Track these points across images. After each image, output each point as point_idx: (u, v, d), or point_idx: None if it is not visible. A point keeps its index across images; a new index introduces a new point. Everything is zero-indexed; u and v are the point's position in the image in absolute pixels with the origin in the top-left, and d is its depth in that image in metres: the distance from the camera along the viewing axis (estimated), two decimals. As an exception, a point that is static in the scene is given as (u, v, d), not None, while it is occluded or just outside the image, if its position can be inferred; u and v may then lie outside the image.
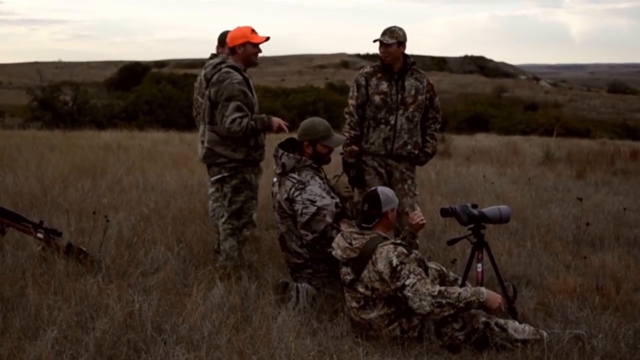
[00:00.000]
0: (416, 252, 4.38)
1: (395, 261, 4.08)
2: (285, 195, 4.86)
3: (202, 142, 5.36)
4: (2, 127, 27.57)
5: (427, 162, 5.98)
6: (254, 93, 5.34)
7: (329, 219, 4.72)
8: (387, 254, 4.12)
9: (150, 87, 42.32)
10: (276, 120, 5.21)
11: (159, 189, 8.30)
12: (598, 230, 7.05)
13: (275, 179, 5.08)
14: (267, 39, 5.36)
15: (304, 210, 4.75)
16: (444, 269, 4.79)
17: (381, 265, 4.11)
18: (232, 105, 5.03)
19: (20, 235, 5.61)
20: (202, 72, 5.30)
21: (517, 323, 4.21)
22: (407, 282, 4.04)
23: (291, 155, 4.92)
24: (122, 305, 4.25)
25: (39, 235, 5.35)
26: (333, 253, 4.43)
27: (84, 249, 5.34)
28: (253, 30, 5.26)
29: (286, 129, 5.27)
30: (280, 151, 4.96)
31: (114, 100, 47.70)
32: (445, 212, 4.57)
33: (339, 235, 4.45)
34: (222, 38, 6.09)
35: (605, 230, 7.13)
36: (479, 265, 4.47)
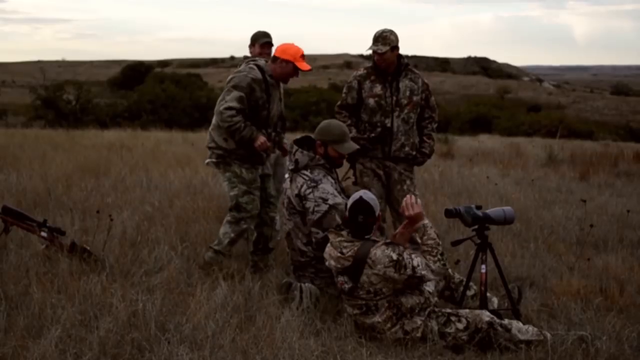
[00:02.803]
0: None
1: (394, 256, 4.11)
2: (296, 192, 4.87)
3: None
4: (5, 125, 27.61)
5: (425, 162, 5.96)
6: (274, 100, 5.34)
7: (338, 219, 4.72)
8: (383, 252, 4.14)
9: (154, 87, 42.35)
10: (261, 139, 5.19)
11: (162, 188, 8.30)
12: (601, 232, 7.04)
13: (286, 175, 5.08)
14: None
15: (316, 208, 4.76)
16: (450, 270, 4.78)
17: (381, 266, 4.11)
18: (235, 93, 5.10)
19: (24, 234, 5.62)
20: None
21: (520, 324, 4.21)
22: (414, 263, 4.12)
23: (305, 152, 4.94)
24: (125, 305, 4.25)
25: (43, 234, 5.36)
26: (327, 264, 4.42)
27: (88, 248, 5.34)
28: (303, 56, 5.32)
29: (267, 150, 5.37)
30: (295, 147, 4.98)
31: (117, 100, 47.77)
32: (449, 213, 4.57)
33: (329, 245, 4.41)
34: (254, 38, 6.21)
35: (609, 232, 7.12)
36: (483, 266, 4.46)
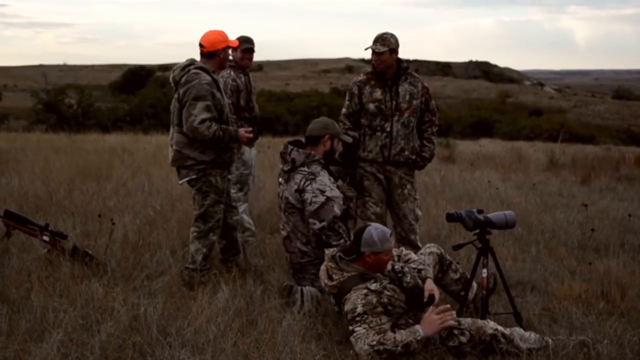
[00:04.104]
0: (388, 291, 4.09)
1: (359, 309, 3.99)
2: (295, 187, 4.93)
3: (172, 146, 5.28)
4: (7, 129, 27.67)
5: (426, 166, 5.95)
6: (224, 95, 5.36)
7: (337, 210, 4.79)
8: (355, 299, 4.04)
9: (155, 91, 42.43)
10: (243, 134, 5.23)
11: (164, 192, 8.31)
12: (603, 237, 7.04)
13: (281, 179, 5.10)
14: (243, 40, 5.93)
15: (314, 199, 4.82)
16: (442, 251, 4.73)
17: (346, 308, 4.07)
18: (201, 104, 5.02)
19: (26, 238, 5.63)
20: (171, 76, 5.29)
21: (522, 330, 4.19)
22: (357, 329, 3.95)
23: (301, 150, 5.02)
24: (127, 309, 4.27)
25: (45, 237, 5.37)
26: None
27: (90, 252, 5.36)
28: (227, 34, 5.33)
29: (251, 137, 5.38)
30: (290, 147, 5.06)
31: (118, 104, 47.83)
32: (450, 217, 4.56)
33: (323, 265, 4.38)
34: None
35: (610, 236, 7.12)
36: (484, 270, 4.46)
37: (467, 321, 4.13)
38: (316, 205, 4.82)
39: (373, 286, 4.09)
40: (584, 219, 7.56)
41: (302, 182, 4.92)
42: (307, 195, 4.86)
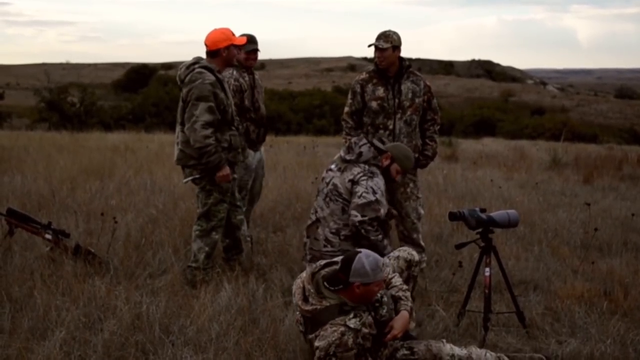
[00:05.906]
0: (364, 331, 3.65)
1: (331, 350, 3.55)
2: (350, 177, 4.84)
3: (177, 144, 5.28)
4: (10, 128, 27.69)
5: (428, 164, 5.96)
6: (229, 94, 5.33)
7: (381, 213, 4.75)
8: (330, 337, 3.56)
9: (157, 89, 42.39)
10: (225, 171, 5.14)
11: (166, 191, 8.31)
12: (606, 236, 7.03)
13: (333, 166, 5.00)
14: (247, 40, 5.64)
15: (365, 194, 4.75)
16: (414, 258, 4.50)
17: (318, 343, 3.61)
18: (203, 105, 5.01)
19: (29, 236, 5.63)
20: (177, 73, 5.28)
21: (478, 350, 3.91)
22: None
23: (372, 148, 4.97)
24: (130, 307, 4.27)
25: (47, 236, 5.38)
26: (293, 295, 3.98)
27: (92, 250, 5.36)
28: (232, 33, 5.30)
29: (227, 180, 5.22)
30: (365, 140, 5.01)
31: (121, 102, 47.84)
32: (453, 216, 4.56)
33: (299, 281, 3.87)
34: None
35: (613, 235, 7.11)
36: (487, 269, 4.46)
37: (420, 348, 3.87)
38: (364, 201, 4.74)
39: (352, 323, 3.60)
40: (587, 218, 7.55)
41: (359, 175, 4.84)
42: (359, 189, 4.78)
